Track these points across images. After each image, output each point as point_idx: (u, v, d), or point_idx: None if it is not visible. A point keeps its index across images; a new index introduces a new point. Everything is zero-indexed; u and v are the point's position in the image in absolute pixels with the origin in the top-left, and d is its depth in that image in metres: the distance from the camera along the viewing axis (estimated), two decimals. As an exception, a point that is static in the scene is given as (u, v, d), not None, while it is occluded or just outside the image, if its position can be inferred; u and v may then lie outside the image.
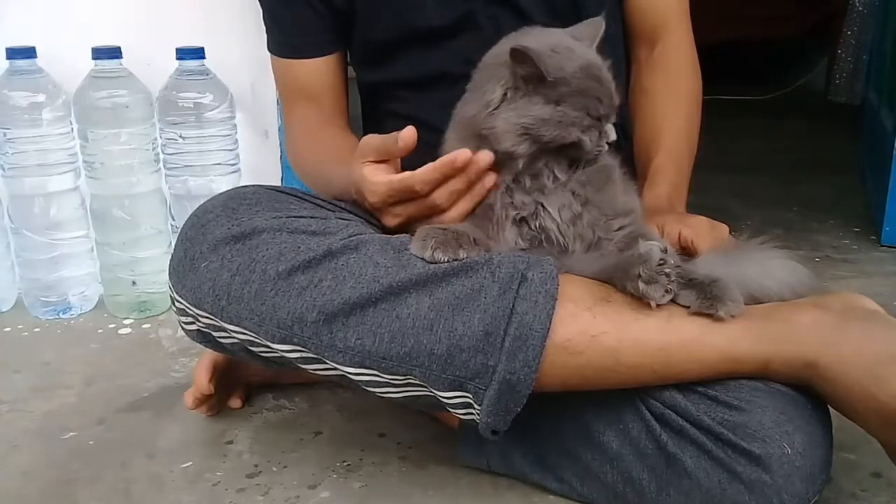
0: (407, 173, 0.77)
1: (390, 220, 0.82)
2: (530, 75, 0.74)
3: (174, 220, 1.32)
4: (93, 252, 1.31)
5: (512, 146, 0.75)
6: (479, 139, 0.77)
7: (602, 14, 0.84)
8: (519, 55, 0.73)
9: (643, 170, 0.98)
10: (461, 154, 0.75)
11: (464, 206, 0.79)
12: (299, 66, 1.05)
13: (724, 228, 0.87)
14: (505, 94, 0.76)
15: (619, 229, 0.79)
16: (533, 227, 0.78)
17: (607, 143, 0.78)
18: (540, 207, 0.78)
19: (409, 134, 0.76)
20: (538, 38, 0.77)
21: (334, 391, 1.01)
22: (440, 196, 0.77)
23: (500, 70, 0.76)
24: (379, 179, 0.78)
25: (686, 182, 0.99)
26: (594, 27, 0.82)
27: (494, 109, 0.76)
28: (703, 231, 0.85)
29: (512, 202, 0.78)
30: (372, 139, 0.81)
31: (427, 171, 0.76)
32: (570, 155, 0.78)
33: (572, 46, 0.78)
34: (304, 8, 1.01)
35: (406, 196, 0.78)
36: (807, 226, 1.71)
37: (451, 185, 0.77)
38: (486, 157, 0.75)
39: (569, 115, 0.75)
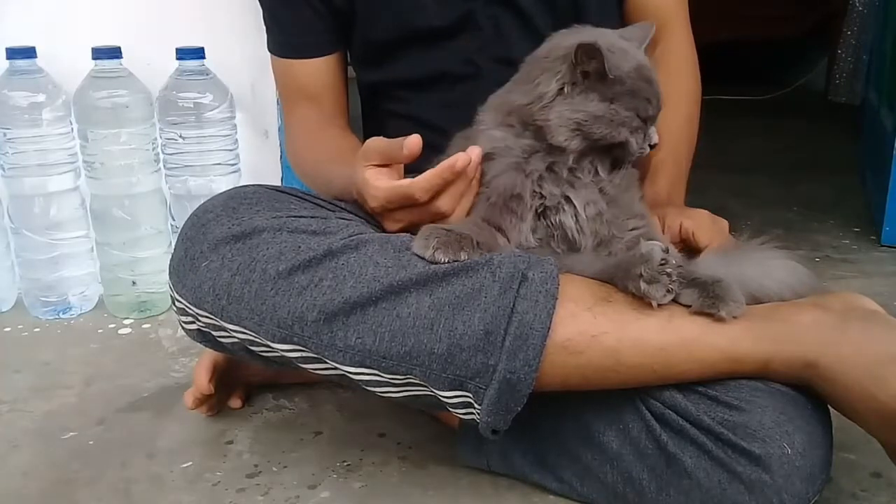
0: (406, 181, 0.77)
1: (391, 226, 0.82)
2: (591, 72, 0.75)
3: (174, 220, 1.32)
4: (93, 252, 1.31)
5: (565, 141, 0.76)
6: (524, 127, 0.78)
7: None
8: (588, 50, 0.74)
9: (643, 167, 0.98)
10: (460, 158, 0.75)
11: (465, 205, 0.79)
12: (299, 66, 1.05)
13: (725, 223, 0.88)
14: (561, 89, 0.76)
15: (632, 230, 0.80)
16: (551, 222, 0.79)
17: (649, 145, 0.79)
18: (563, 200, 0.78)
19: (414, 142, 0.76)
20: (594, 37, 0.77)
21: (334, 391, 1.01)
22: (444, 203, 0.77)
23: (556, 64, 0.77)
24: (380, 185, 0.78)
25: (685, 179, 1.00)
26: (644, 30, 0.84)
27: (549, 102, 0.77)
28: (704, 224, 0.85)
29: (541, 192, 0.78)
30: (376, 142, 0.81)
31: (427, 178, 0.76)
32: (616, 155, 0.79)
33: (625, 47, 0.79)
34: (304, 8, 1.01)
35: (406, 203, 0.78)
36: (807, 226, 1.71)
37: (454, 190, 0.77)
38: (477, 152, 0.76)
39: (620, 114, 0.76)
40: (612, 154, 0.79)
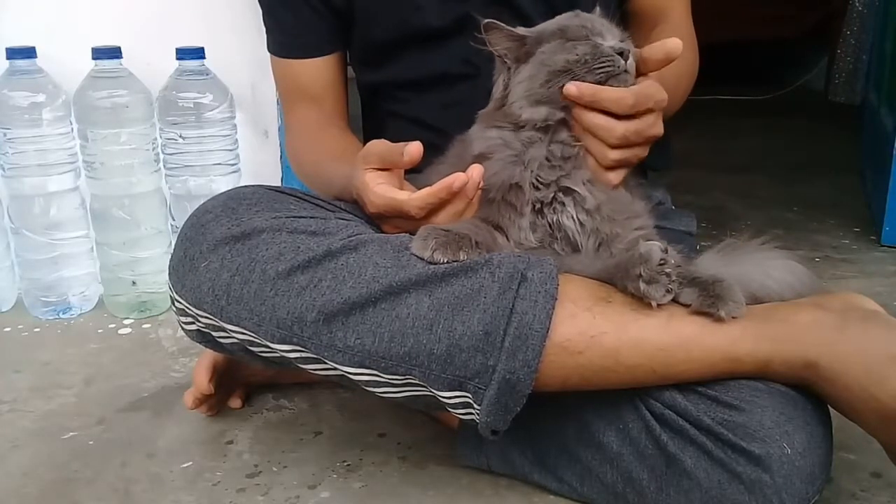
0: (403, 196, 0.77)
1: (389, 230, 0.83)
2: (509, 47, 0.80)
3: (174, 220, 1.32)
4: (93, 252, 1.31)
5: (531, 114, 0.79)
6: (506, 122, 0.81)
7: (613, 12, 0.84)
8: (487, 27, 0.79)
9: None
10: (458, 178, 0.75)
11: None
12: (299, 67, 1.05)
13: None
14: (506, 83, 0.80)
15: (636, 229, 0.80)
16: (550, 222, 0.79)
17: (622, 54, 0.77)
18: (560, 193, 0.78)
19: (415, 149, 0.77)
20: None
21: (334, 391, 1.01)
22: (441, 220, 0.78)
23: (498, 66, 0.82)
24: (379, 192, 0.79)
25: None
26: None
27: (504, 99, 0.80)
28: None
29: (540, 182, 0.78)
30: (377, 146, 0.81)
31: (423, 197, 0.76)
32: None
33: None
34: (304, 8, 1.01)
35: (402, 216, 0.79)
36: (807, 226, 1.71)
37: (452, 208, 0.77)
38: (478, 171, 0.76)
39: (551, 51, 0.78)
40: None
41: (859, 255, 1.53)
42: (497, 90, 0.82)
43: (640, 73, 0.79)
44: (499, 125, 0.81)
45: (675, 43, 0.77)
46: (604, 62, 0.76)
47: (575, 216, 0.79)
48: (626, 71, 0.77)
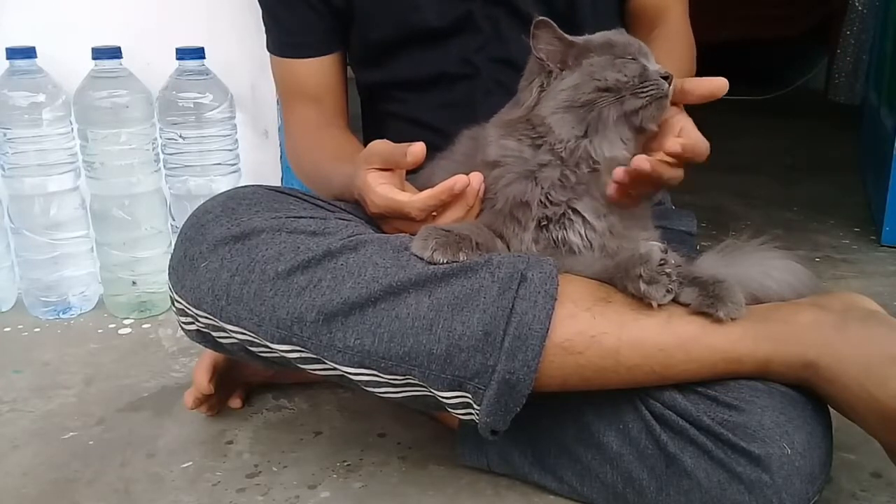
0: (405, 198, 0.78)
1: (389, 230, 0.83)
2: (553, 51, 0.77)
3: (174, 220, 1.32)
4: (93, 252, 1.31)
5: (562, 130, 0.76)
6: (536, 142, 0.78)
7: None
8: (539, 24, 0.76)
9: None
10: (459, 181, 0.75)
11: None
12: (299, 66, 1.05)
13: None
14: (541, 87, 0.78)
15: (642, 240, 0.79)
16: (555, 238, 0.78)
17: (667, 79, 0.76)
18: (569, 211, 0.78)
19: (419, 149, 0.77)
20: None
21: (334, 391, 1.01)
22: (443, 224, 0.77)
23: (533, 69, 0.79)
24: (381, 192, 0.79)
25: None
26: None
27: (536, 104, 0.78)
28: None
29: (549, 201, 0.77)
30: (380, 146, 0.81)
31: (424, 199, 0.76)
32: (630, 108, 0.76)
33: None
34: (304, 8, 1.01)
35: (403, 217, 0.79)
36: (807, 226, 1.71)
37: (453, 213, 0.78)
38: (478, 178, 0.76)
39: (600, 66, 0.76)
40: (629, 120, 0.77)
41: (859, 255, 1.53)
42: (529, 96, 0.79)
43: (675, 102, 0.78)
44: (520, 138, 0.79)
45: (722, 82, 0.77)
46: (650, 86, 0.76)
47: (583, 233, 0.78)
48: (666, 96, 0.77)
